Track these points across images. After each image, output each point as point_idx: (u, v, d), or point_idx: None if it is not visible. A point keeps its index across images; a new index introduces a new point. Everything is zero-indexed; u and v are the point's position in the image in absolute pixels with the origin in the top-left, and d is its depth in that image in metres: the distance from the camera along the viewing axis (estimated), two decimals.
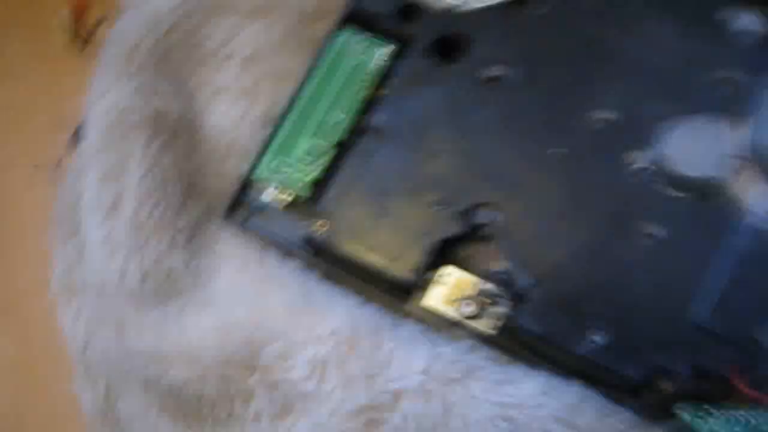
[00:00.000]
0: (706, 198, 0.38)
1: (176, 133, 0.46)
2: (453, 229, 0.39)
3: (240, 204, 0.44)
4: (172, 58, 0.47)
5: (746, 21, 0.41)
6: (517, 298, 0.38)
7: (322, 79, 0.43)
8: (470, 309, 0.39)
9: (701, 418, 0.38)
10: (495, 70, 0.41)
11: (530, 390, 0.38)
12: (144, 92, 0.46)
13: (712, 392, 0.38)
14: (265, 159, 0.43)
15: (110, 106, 0.45)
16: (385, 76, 0.42)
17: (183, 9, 0.46)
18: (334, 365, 0.39)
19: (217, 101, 0.46)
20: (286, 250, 0.42)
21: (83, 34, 0.56)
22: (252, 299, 0.42)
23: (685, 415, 0.38)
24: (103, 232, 0.44)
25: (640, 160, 0.39)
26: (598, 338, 0.37)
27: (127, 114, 0.44)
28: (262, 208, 0.44)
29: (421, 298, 0.40)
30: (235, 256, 0.44)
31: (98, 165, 0.45)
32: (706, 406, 0.37)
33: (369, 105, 0.42)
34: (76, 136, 0.48)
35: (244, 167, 0.43)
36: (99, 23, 0.57)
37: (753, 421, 0.37)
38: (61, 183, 0.48)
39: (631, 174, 0.38)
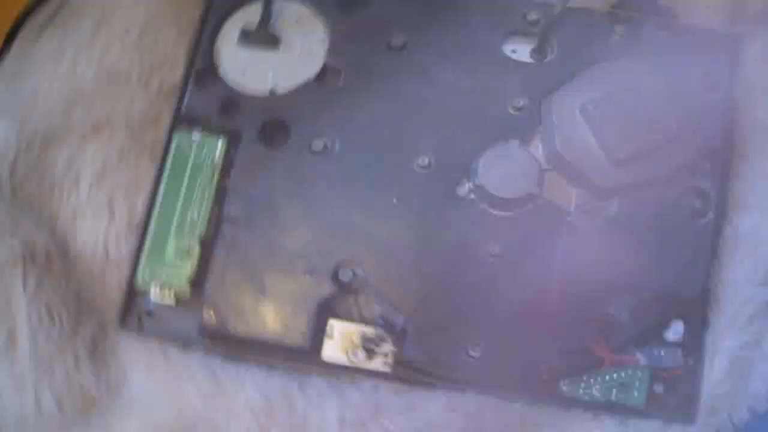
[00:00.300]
0: (528, 210, 0.36)
1: (49, 262, 0.38)
2: (326, 290, 0.36)
3: (129, 311, 0.38)
4: (23, 191, 0.39)
5: (519, 51, 0.39)
6: (398, 334, 0.36)
7: (169, 182, 0.38)
8: (359, 357, 0.36)
9: (578, 388, 0.37)
10: (318, 144, 0.38)
11: (435, 410, 0.36)
12: (6, 230, 0.38)
13: (586, 365, 0.36)
14: (140, 267, 0.38)
15: None
16: (226, 168, 0.38)
17: (21, 143, 0.39)
18: None
19: (78, 223, 0.39)
20: (185, 343, 0.38)
21: None
22: (167, 396, 0.37)
23: (565, 388, 0.37)
24: (5, 369, 0.37)
25: (464, 192, 0.37)
26: (474, 352, 0.35)
27: None
28: (151, 311, 0.38)
29: (317, 354, 0.37)
30: (139, 360, 0.38)
31: None
32: (583, 377, 0.36)
33: (220, 197, 0.38)
34: None
35: (123, 277, 0.38)
36: None
37: (620, 378, 0.36)
38: None
39: (462, 205, 0.37)
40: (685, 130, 0.36)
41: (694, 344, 0.36)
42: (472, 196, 0.36)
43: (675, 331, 0.37)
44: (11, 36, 0.42)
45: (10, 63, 0.41)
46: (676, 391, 0.36)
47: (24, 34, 0.41)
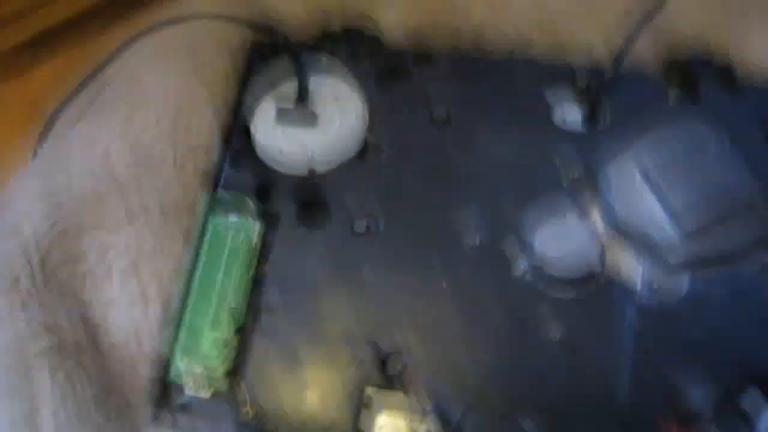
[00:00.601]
0: (591, 289, 0.33)
1: (79, 358, 0.36)
2: (373, 382, 0.33)
3: (163, 408, 0.35)
4: (55, 283, 0.37)
5: (570, 119, 0.37)
6: (455, 428, 0.33)
7: (204, 271, 0.36)
8: None
9: None
10: (361, 225, 0.36)
11: None
12: (35, 324, 0.36)
13: None
14: (176, 361, 0.36)
15: (6, 346, 0.35)
16: (263, 254, 0.36)
17: (52, 234, 0.37)
18: None
19: (110, 316, 0.37)
20: None
21: None
22: None
23: None
24: None
25: (520, 272, 0.34)
26: None
27: (24, 351, 0.35)
28: (186, 407, 0.36)
29: None
30: None
31: (7, 410, 0.35)
32: None
33: (257, 284, 0.36)
34: None
35: (156, 371, 0.36)
36: None
37: None
38: None
39: (518, 287, 0.34)
40: (758, 197, 0.33)
41: None
42: (529, 276, 0.34)
43: (765, 420, 0.33)
44: (48, 126, 0.42)
45: (46, 152, 0.40)
46: None
47: (60, 123, 0.41)
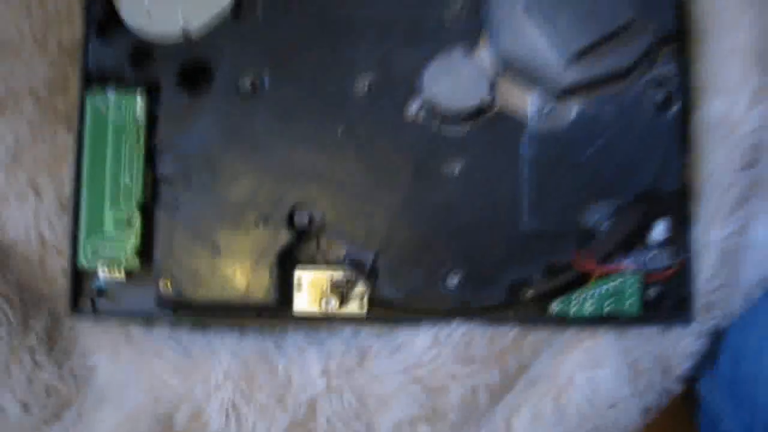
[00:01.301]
0: (484, 123, 0.34)
1: None
2: (284, 239, 0.34)
3: (80, 294, 0.36)
4: None
5: None
6: (369, 273, 0.34)
7: (92, 149, 0.35)
8: (333, 303, 0.35)
9: (569, 306, 0.36)
10: (246, 83, 0.35)
11: (420, 347, 0.34)
12: None
13: (571, 283, 0.35)
14: (81, 246, 0.35)
15: None
16: (151, 124, 0.35)
17: None
18: (244, 403, 0.34)
19: (3, 213, 0.36)
20: (146, 320, 0.36)
21: None
22: (138, 379, 0.35)
23: (555, 307, 0.35)
24: None
25: (413, 112, 0.34)
26: (453, 279, 0.34)
27: None
28: (103, 290, 0.36)
29: (289, 309, 0.35)
30: (103, 346, 0.36)
31: None
32: (573, 295, 0.35)
33: (149, 157, 0.35)
34: None
35: (64, 261, 0.36)
36: None
37: (611, 289, 0.35)
38: None
39: (413, 127, 0.34)
40: (637, 15, 0.33)
41: (680, 242, 0.35)
42: (423, 114, 0.34)
43: (659, 231, 0.35)
44: None
45: None
46: (670, 293, 0.35)
47: None
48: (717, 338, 0.37)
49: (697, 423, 0.40)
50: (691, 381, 0.39)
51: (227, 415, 0.33)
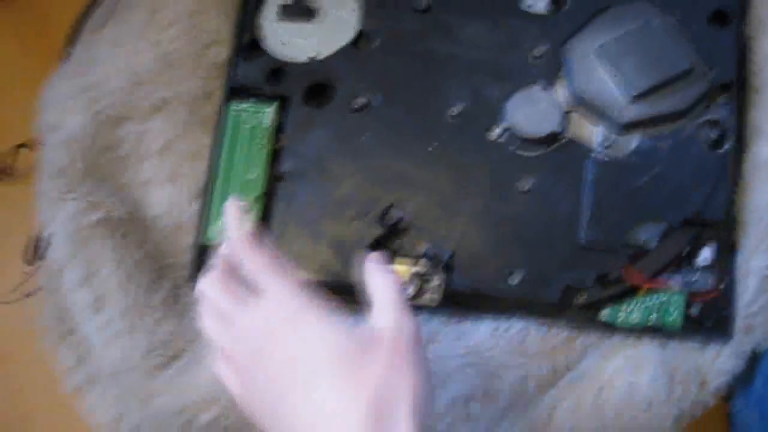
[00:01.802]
0: (555, 149, 0.41)
1: (126, 230, 0.44)
2: (376, 232, 0.41)
3: (200, 268, 0.44)
4: (98, 168, 0.45)
5: (535, 4, 0.43)
6: (445, 268, 0.41)
7: (228, 148, 0.44)
8: (410, 290, 0.41)
9: (617, 315, 0.41)
10: (360, 101, 0.43)
11: (481, 337, 0.40)
12: (86, 204, 0.44)
13: (621, 294, 0.40)
14: (209, 225, 0.43)
15: (65, 223, 0.43)
16: (278, 131, 0.43)
17: (92, 126, 0.44)
18: None
19: (148, 193, 0.45)
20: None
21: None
22: None
23: (604, 315, 0.40)
24: (95, 326, 0.43)
25: (494, 136, 0.41)
26: (515, 278, 0.40)
27: (81, 226, 0.43)
28: None
29: None
30: None
31: (73, 272, 0.43)
32: (622, 305, 0.40)
33: (274, 157, 0.43)
34: (35, 253, 0.46)
35: (192, 238, 0.44)
36: (15, 153, 0.52)
37: (657, 303, 0.40)
38: (39, 296, 0.46)
39: (492, 147, 0.41)
40: (696, 63, 0.40)
41: (725, 267, 0.39)
42: (502, 139, 0.41)
43: (705, 257, 0.40)
44: (75, 34, 0.48)
45: (77, 59, 0.46)
46: (712, 312, 0.39)
47: (86, 31, 0.47)
48: (754, 360, 0.41)
49: None
50: (726, 398, 0.43)
51: None
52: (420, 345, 0.29)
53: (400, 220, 0.40)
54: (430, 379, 0.29)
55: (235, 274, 0.32)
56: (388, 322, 0.29)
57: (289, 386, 0.29)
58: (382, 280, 0.31)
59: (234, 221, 0.33)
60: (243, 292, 0.31)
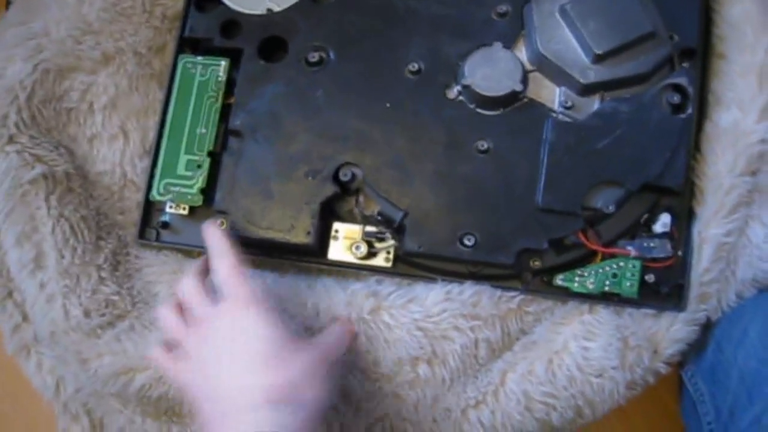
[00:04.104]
0: (514, 109, 0.40)
1: (69, 185, 0.43)
2: (327, 191, 0.40)
3: (147, 225, 0.43)
4: (40, 120, 0.44)
5: None
6: (397, 229, 0.40)
7: (177, 104, 0.43)
8: (361, 250, 0.41)
9: (573, 280, 0.41)
10: (316, 56, 0.42)
11: (432, 300, 0.40)
12: (26, 156, 0.42)
13: (577, 260, 0.40)
14: (155, 183, 0.42)
15: (3, 176, 0.42)
16: (229, 86, 0.42)
17: (34, 76, 0.43)
18: None
19: (94, 148, 0.44)
20: (200, 253, 0.42)
21: None
22: None
23: (559, 281, 0.40)
24: (35, 285, 0.42)
25: (453, 94, 0.41)
26: (469, 241, 0.39)
27: (18, 179, 0.42)
28: (167, 224, 0.43)
29: (324, 255, 0.41)
30: (161, 272, 0.43)
31: (10, 229, 0.42)
32: (578, 271, 0.40)
33: (224, 113, 0.42)
34: None
35: (139, 196, 0.43)
36: None
37: (613, 269, 0.40)
38: None
39: (451, 106, 0.41)
40: (660, 28, 0.39)
41: (681, 235, 0.40)
42: (461, 97, 0.40)
43: (663, 223, 0.40)
44: None
45: (21, 5, 0.45)
46: (667, 280, 0.39)
47: None
48: (707, 328, 0.41)
49: (681, 405, 0.43)
50: (680, 365, 0.43)
51: None
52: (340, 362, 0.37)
53: (354, 178, 0.40)
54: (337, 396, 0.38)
55: (204, 280, 0.38)
56: (327, 336, 0.37)
57: (223, 367, 0.34)
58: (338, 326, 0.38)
59: (217, 244, 0.37)
60: (207, 297, 0.37)
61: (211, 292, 0.37)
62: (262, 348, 0.34)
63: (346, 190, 0.40)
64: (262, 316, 0.35)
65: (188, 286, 0.37)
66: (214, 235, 0.38)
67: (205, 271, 0.38)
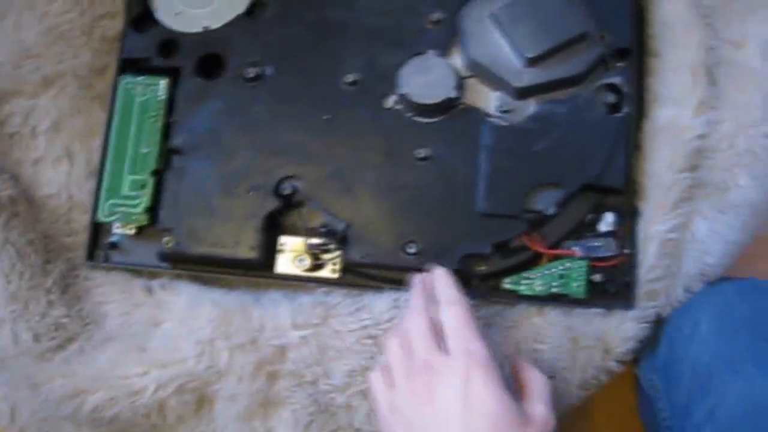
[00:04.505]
0: (452, 115, 0.40)
1: (14, 210, 0.43)
2: (269, 206, 0.41)
3: (96, 247, 0.43)
4: None
5: None
6: (341, 240, 0.40)
7: (119, 125, 0.43)
8: (305, 263, 0.41)
9: (520, 284, 0.41)
10: (253, 72, 0.42)
11: (381, 308, 0.40)
12: None
13: (523, 263, 0.40)
14: (100, 205, 0.43)
15: None
16: (170, 105, 0.43)
17: None
18: (221, 341, 0.39)
19: (39, 172, 0.44)
20: (149, 272, 0.43)
21: None
22: (137, 321, 0.42)
23: (507, 285, 0.40)
24: None
25: (390, 103, 0.41)
26: (412, 249, 0.40)
27: None
28: (116, 245, 0.43)
29: (271, 269, 0.41)
30: (110, 292, 0.43)
31: None
32: (524, 274, 0.40)
33: (167, 132, 0.42)
34: None
35: (86, 218, 0.43)
36: None
37: (559, 271, 0.40)
38: None
39: (389, 116, 0.41)
40: (592, 28, 0.40)
41: (627, 233, 0.40)
42: (398, 106, 0.40)
43: (607, 222, 0.40)
44: None
45: None
46: (615, 279, 0.40)
47: None
48: (659, 324, 0.41)
49: (638, 403, 0.43)
50: (634, 362, 0.43)
51: (202, 350, 0.38)
52: None
53: (295, 192, 0.40)
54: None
55: (433, 322, 0.36)
56: (541, 412, 0.34)
57: (441, 425, 0.33)
58: (539, 376, 0.35)
59: (447, 291, 0.36)
60: (435, 343, 0.35)
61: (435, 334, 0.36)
62: (491, 423, 0.32)
63: (288, 203, 0.40)
64: (494, 383, 0.33)
65: (418, 324, 0.35)
66: (443, 280, 0.37)
67: (429, 310, 0.37)
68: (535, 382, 0.36)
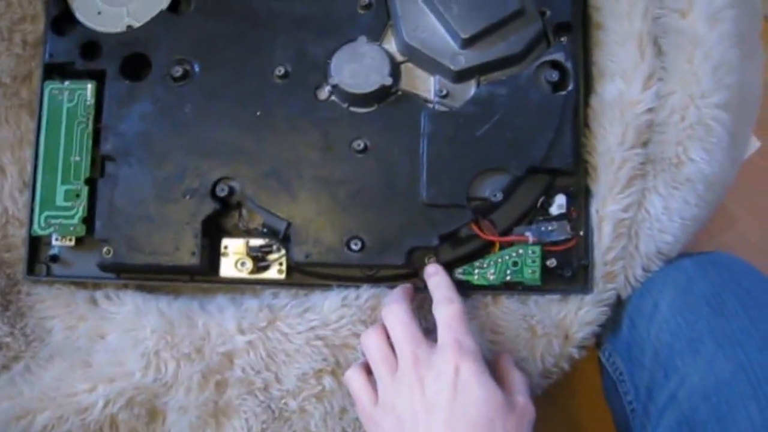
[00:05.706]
0: (389, 104, 0.39)
1: None
2: (207, 209, 0.39)
3: (36, 261, 0.42)
4: None
5: None
6: (282, 239, 0.39)
7: (48, 133, 0.41)
8: (247, 266, 0.39)
9: (472, 273, 0.40)
10: (179, 70, 0.40)
11: (329, 307, 0.39)
12: None
13: (474, 252, 0.39)
14: (35, 218, 0.41)
15: None
16: (98, 110, 0.41)
17: None
18: (166, 352, 0.38)
19: None
20: (92, 282, 0.42)
21: None
22: (81, 335, 0.40)
23: (459, 275, 0.39)
24: None
25: (324, 95, 0.39)
26: (356, 245, 0.38)
27: None
28: (56, 257, 0.42)
29: (217, 273, 0.40)
30: (54, 307, 0.41)
31: None
32: (476, 263, 0.39)
33: (97, 138, 0.41)
34: None
35: (24, 232, 0.42)
36: None
37: (512, 258, 0.39)
38: None
39: (323, 107, 0.39)
40: (529, 4, 0.38)
41: (580, 215, 0.39)
42: (333, 97, 0.39)
43: (559, 204, 0.39)
44: None
45: None
46: (570, 262, 0.39)
47: None
48: (619, 306, 0.40)
49: (603, 387, 0.42)
50: (597, 345, 0.42)
51: (148, 363, 0.37)
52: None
53: (232, 193, 0.39)
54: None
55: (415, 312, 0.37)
56: (522, 401, 0.35)
57: (432, 419, 0.33)
58: (518, 372, 0.37)
59: (442, 287, 0.36)
60: (422, 335, 0.35)
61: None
62: (479, 408, 0.33)
63: (226, 205, 0.39)
64: (482, 373, 0.33)
65: (401, 318, 0.35)
66: (437, 276, 0.37)
67: (413, 301, 0.37)
68: (514, 377, 0.37)
